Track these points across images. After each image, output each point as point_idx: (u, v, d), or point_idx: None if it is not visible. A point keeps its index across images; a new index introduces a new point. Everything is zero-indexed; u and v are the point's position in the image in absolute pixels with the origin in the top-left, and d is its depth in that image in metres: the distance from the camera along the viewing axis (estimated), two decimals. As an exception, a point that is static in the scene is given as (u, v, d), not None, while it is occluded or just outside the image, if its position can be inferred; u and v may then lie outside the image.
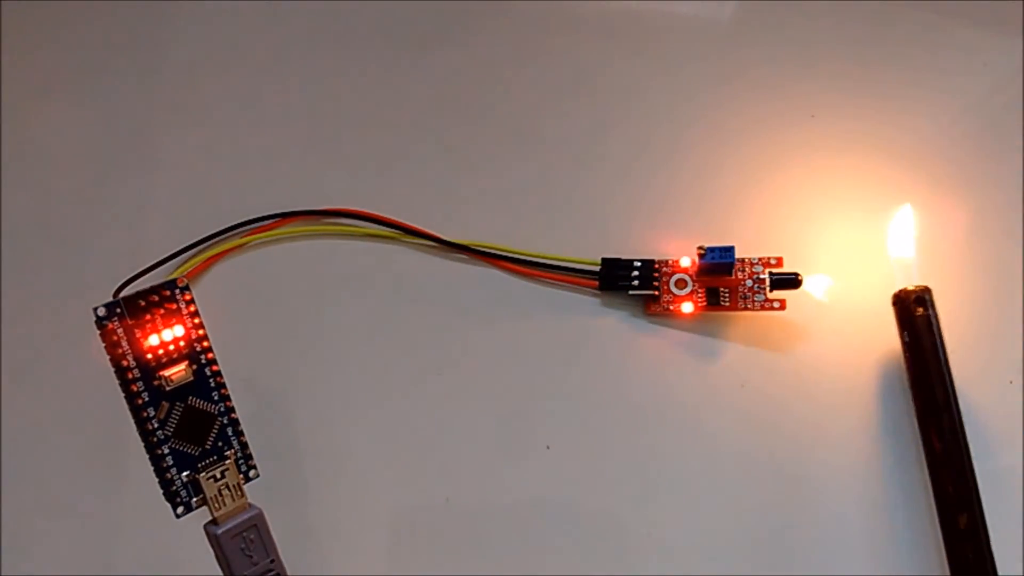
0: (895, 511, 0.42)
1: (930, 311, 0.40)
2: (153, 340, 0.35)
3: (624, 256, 0.43)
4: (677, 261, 0.43)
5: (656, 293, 0.43)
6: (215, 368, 0.36)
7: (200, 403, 0.36)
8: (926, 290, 0.40)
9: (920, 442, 0.41)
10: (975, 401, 0.40)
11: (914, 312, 0.40)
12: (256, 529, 0.36)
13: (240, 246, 0.44)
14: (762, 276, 0.42)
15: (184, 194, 0.45)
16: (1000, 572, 0.38)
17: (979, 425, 0.40)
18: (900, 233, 0.43)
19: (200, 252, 0.43)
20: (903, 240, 0.43)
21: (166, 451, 0.35)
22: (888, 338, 0.41)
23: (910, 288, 0.41)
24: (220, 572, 0.36)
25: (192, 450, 0.36)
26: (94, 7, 0.47)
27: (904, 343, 0.41)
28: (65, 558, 0.42)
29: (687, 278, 0.43)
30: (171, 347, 0.35)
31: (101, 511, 0.42)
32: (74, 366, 0.42)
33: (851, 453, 0.42)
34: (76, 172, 0.45)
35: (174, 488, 0.35)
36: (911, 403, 0.41)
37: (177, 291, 0.35)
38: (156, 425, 0.35)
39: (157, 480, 0.35)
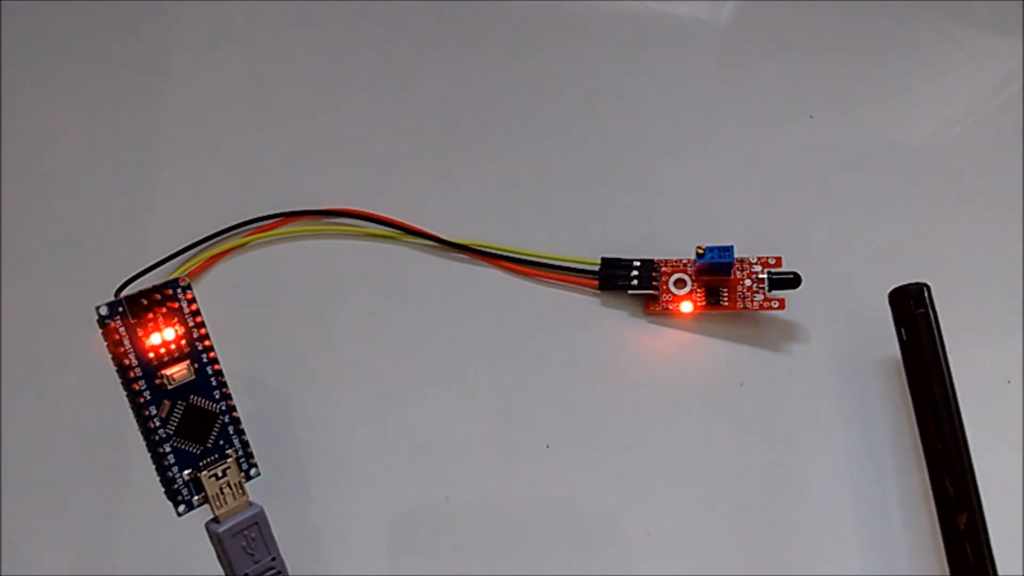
0: (894, 511, 0.42)
1: (929, 309, 0.39)
2: (155, 339, 0.35)
3: (624, 256, 0.43)
4: (676, 261, 0.43)
5: (655, 293, 0.43)
6: (216, 367, 0.37)
7: (202, 402, 0.36)
8: (925, 287, 0.40)
9: (919, 442, 0.41)
10: (973, 400, 0.40)
11: (912, 310, 0.40)
12: (257, 527, 0.36)
13: (241, 246, 0.44)
14: (761, 276, 0.42)
15: (185, 193, 0.45)
16: (1000, 572, 0.38)
17: (977, 425, 0.40)
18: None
19: (201, 251, 0.44)
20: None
21: (168, 449, 0.35)
22: (888, 336, 0.41)
23: (907, 285, 0.40)
24: (222, 570, 0.36)
25: (194, 448, 0.36)
26: (95, 7, 0.47)
27: (901, 341, 0.40)
28: (65, 558, 0.42)
29: (686, 278, 0.43)
30: (173, 346, 0.35)
31: (102, 510, 0.42)
32: (75, 365, 0.42)
33: (850, 452, 0.42)
34: (76, 172, 0.45)
35: (176, 486, 0.36)
36: (910, 402, 0.41)
37: (179, 290, 0.36)
38: (158, 424, 0.35)
39: (159, 478, 0.35)
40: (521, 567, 0.42)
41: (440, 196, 0.45)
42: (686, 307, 0.43)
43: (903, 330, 0.40)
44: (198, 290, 0.36)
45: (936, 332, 0.39)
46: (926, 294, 0.40)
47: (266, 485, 0.38)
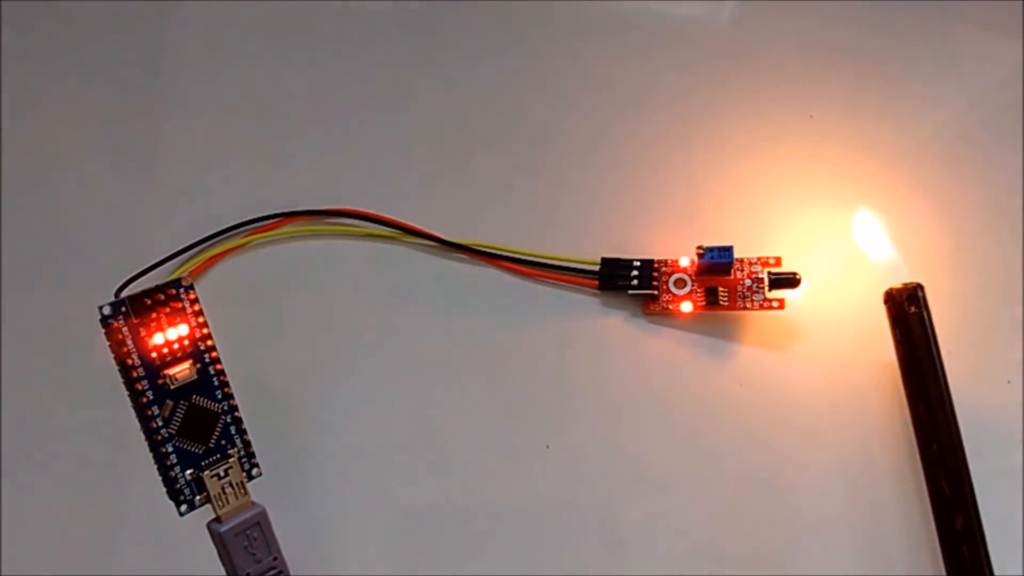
0: (890, 512, 0.42)
1: (922, 309, 0.39)
2: (158, 339, 0.35)
3: (624, 256, 0.43)
4: (676, 261, 0.43)
5: (655, 293, 0.43)
6: (219, 367, 0.37)
7: (204, 402, 0.36)
8: (918, 287, 0.40)
9: (915, 442, 0.41)
10: (973, 401, 0.40)
11: (906, 310, 0.40)
12: (259, 527, 0.36)
13: (241, 246, 0.44)
14: (761, 276, 0.42)
15: (186, 193, 0.45)
16: (997, 573, 0.38)
17: (978, 425, 0.40)
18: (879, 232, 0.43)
19: (201, 251, 0.43)
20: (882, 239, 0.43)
21: (170, 449, 0.35)
22: (888, 336, 0.41)
23: (901, 286, 0.40)
24: (223, 570, 0.36)
25: (196, 448, 0.36)
26: (95, 6, 0.47)
27: (896, 341, 0.40)
28: (65, 558, 0.42)
29: (686, 278, 0.43)
30: (175, 346, 0.35)
31: (103, 510, 0.42)
32: (76, 365, 0.42)
33: (847, 453, 0.42)
34: (77, 171, 0.45)
35: (178, 486, 0.36)
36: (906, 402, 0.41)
37: (182, 290, 0.36)
38: (160, 423, 0.35)
39: (160, 478, 0.36)
40: (521, 567, 0.42)
41: (440, 196, 0.45)
42: (686, 307, 0.43)
43: (897, 330, 0.40)
44: (199, 290, 0.36)
45: (930, 331, 0.39)
46: (920, 294, 0.40)
47: (268, 485, 0.38)
